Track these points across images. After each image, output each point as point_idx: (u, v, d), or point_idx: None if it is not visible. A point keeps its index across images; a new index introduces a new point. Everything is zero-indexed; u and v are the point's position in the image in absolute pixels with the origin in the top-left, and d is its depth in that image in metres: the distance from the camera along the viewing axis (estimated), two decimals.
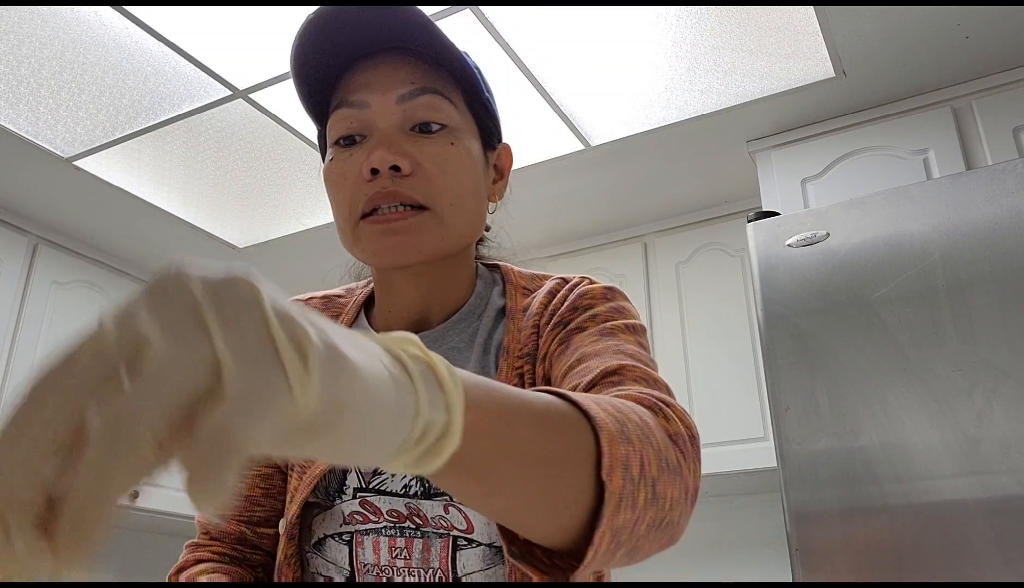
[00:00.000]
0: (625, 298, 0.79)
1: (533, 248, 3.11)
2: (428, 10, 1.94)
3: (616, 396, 0.60)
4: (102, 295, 3.10)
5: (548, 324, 0.75)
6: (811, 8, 1.95)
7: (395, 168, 0.72)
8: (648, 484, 0.49)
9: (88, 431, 0.27)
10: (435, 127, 0.74)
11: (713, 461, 2.52)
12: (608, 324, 0.73)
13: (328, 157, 0.76)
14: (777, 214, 2.04)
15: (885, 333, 1.76)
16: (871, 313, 1.79)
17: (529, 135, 2.44)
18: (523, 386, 0.74)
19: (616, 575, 2.78)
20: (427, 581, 0.70)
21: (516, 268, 0.86)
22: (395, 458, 0.35)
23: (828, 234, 1.91)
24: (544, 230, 3.00)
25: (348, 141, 0.75)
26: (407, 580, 0.71)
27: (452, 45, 0.75)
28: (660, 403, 0.58)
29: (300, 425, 0.29)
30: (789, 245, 1.94)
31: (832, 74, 2.19)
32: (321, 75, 0.76)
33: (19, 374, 2.76)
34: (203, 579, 0.79)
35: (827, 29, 2.03)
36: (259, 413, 0.27)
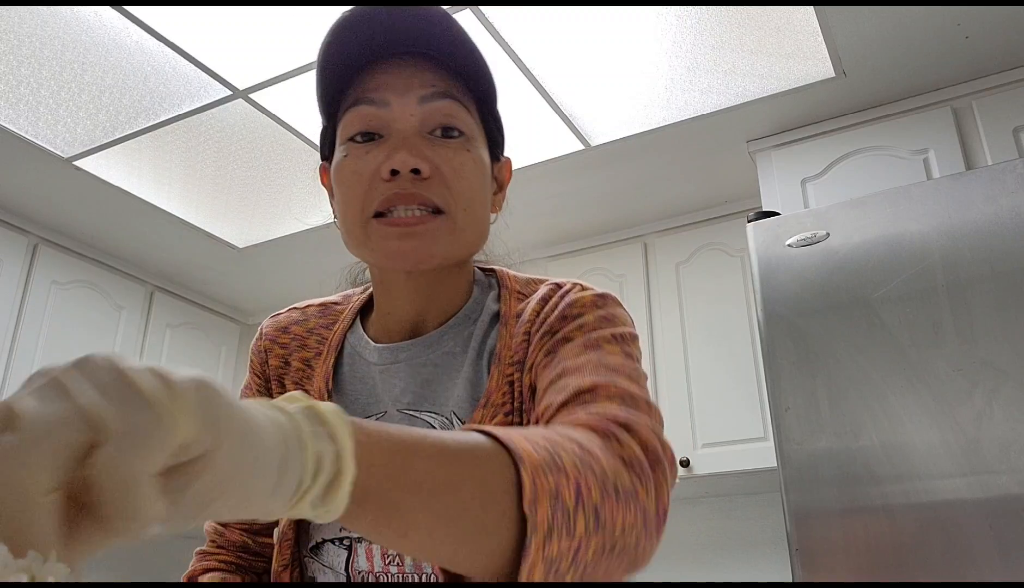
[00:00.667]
0: (617, 304, 0.78)
1: (533, 248, 3.12)
2: None
3: (580, 420, 0.59)
4: (102, 295, 3.10)
5: (538, 332, 0.75)
6: (811, 8, 1.95)
7: (415, 171, 0.72)
8: (590, 511, 0.49)
9: None
10: (455, 133, 0.74)
11: (713, 461, 2.52)
12: (594, 334, 0.72)
13: (341, 153, 0.76)
14: (777, 214, 2.04)
15: (885, 333, 1.76)
16: (871, 313, 1.79)
17: (529, 135, 2.44)
18: (512, 393, 0.73)
19: None
20: (422, 582, 0.70)
21: (512, 273, 0.85)
22: (298, 500, 0.37)
23: (828, 234, 1.91)
24: (544, 230, 3.00)
25: (364, 138, 0.74)
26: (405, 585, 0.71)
27: (477, 53, 0.75)
28: (616, 427, 0.58)
29: (187, 454, 0.32)
30: (789, 245, 1.94)
31: (832, 74, 2.19)
32: (343, 71, 0.76)
33: (19, 374, 2.76)
34: None
35: (827, 29, 2.03)
36: (141, 444, 0.31)
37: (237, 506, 0.35)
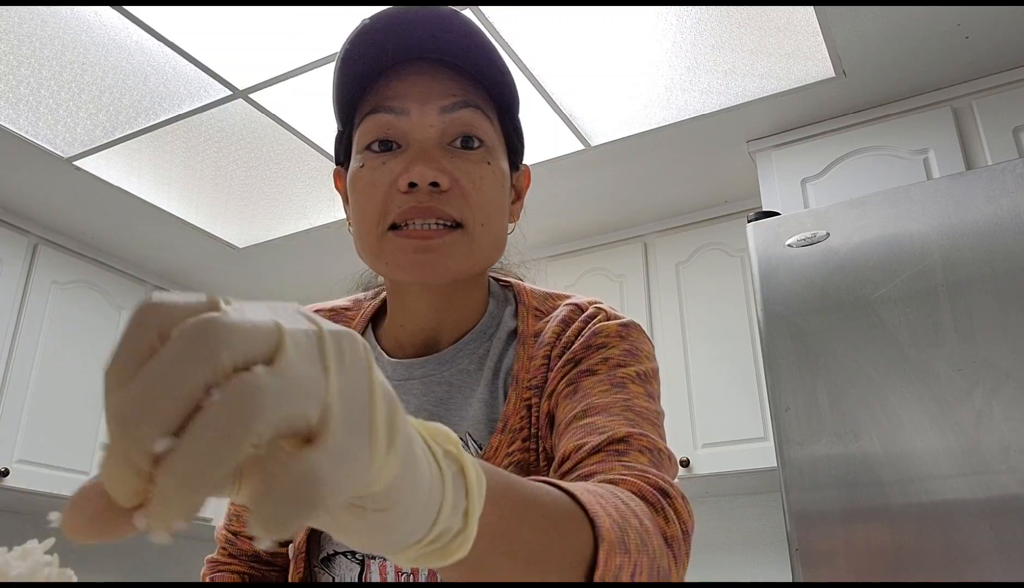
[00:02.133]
0: (641, 334, 0.77)
1: (533, 248, 3.11)
2: None
3: (623, 477, 0.60)
4: (102, 295, 3.10)
5: (560, 357, 0.73)
6: (811, 8, 1.95)
7: (434, 184, 0.70)
8: None
9: (205, 408, 0.26)
10: (475, 143, 0.72)
11: (713, 461, 2.52)
12: (619, 371, 0.71)
13: (357, 162, 0.74)
14: (777, 214, 2.04)
15: (885, 333, 1.76)
16: (871, 313, 1.79)
17: (529, 135, 2.43)
18: (530, 418, 0.72)
19: None
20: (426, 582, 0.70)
21: (529, 287, 0.83)
22: (404, 552, 0.35)
23: (828, 234, 1.91)
24: (544, 230, 3.00)
25: (381, 147, 0.72)
26: None
27: (499, 60, 0.74)
28: (663, 498, 0.59)
29: (356, 501, 0.31)
30: (789, 245, 1.94)
31: (832, 74, 2.19)
32: (362, 75, 0.74)
33: (19, 374, 2.76)
34: None
35: (827, 29, 2.03)
36: (347, 473, 0.28)
37: (341, 538, 0.34)
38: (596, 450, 0.63)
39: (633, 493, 0.58)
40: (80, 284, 3.04)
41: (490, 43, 0.72)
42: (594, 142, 2.49)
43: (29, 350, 2.81)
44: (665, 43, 2.07)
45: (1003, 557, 1.52)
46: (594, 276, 2.95)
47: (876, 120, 2.33)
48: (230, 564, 0.85)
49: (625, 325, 0.76)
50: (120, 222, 2.94)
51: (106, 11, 1.95)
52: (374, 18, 0.71)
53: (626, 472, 0.60)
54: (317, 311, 0.89)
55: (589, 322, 0.75)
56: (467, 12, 1.94)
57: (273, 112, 2.32)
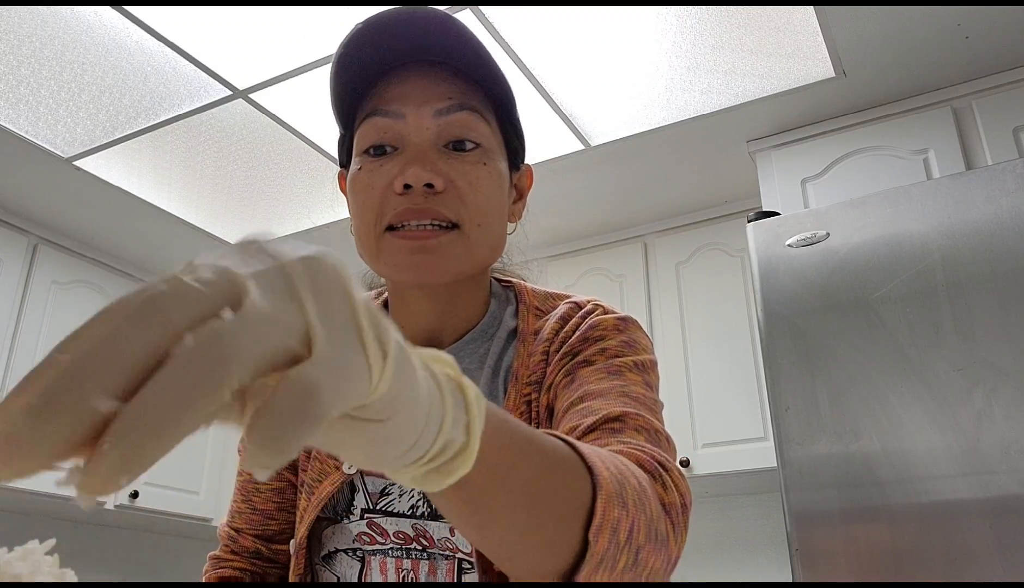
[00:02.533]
0: (638, 329, 0.77)
1: (533, 248, 3.10)
2: None
3: (619, 450, 0.60)
4: (102, 295, 3.10)
5: (558, 352, 0.74)
6: (811, 8, 1.95)
7: (428, 185, 0.71)
8: (632, 551, 0.50)
9: (174, 356, 0.25)
10: (469, 145, 0.73)
11: (713, 461, 2.52)
12: (616, 360, 0.72)
13: (355, 165, 0.75)
14: (777, 214, 2.04)
15: (885, 333, 1.76)
16: (871, 313, 1.79)
17: (529, 135, 2.43)
18: (530, 413, 0.73)
19: None
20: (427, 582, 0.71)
21: (531, 286, 0.84)
22: (407, 469, 0.35)
23: (828, 234, 1.91)
24: (544, 230, 3.00)
25: (379, 150, 0.73)
26: None
27: (492, 63, 0.74)
28: (660, 468, 0.59)
29: (355, 412, 0.30)
30: (789, 245, 1.94)
31: (832, 74, 2.19)
32: (359, 79, 0.74)
33: (19, 374, 2.76)
34: None
35: (827, 29, 2.03)
36: (345, 380, 0.28)
37: (346, 457, 0.33)
38: (592, 429, 0.64)
39: (629, 460, 0.58)
40: (80, 284, 3.04)
41: (483, 46, 0.73)
42: (594, 142, 2.49)
43: (29, 350, 2.81)
44: (665, 43, 2.07)
45: (1003, 557, 1.52)
46: (594, 276, 2.95)
47: (876, 120, 2.33)
48: (232, 561, 0.86)
49: (623, 319, 0.77)
50: (120, 222, 2.94)
51: (106, 11, 1.95)
52: (368, 22, 0.71)
53: (622, 447, 0.61)
54: None
55: (587, 317, 0.76)
56: (467, 12, 1.94)
57: (273, 112, 2.32)
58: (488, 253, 0.76)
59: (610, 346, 0.73)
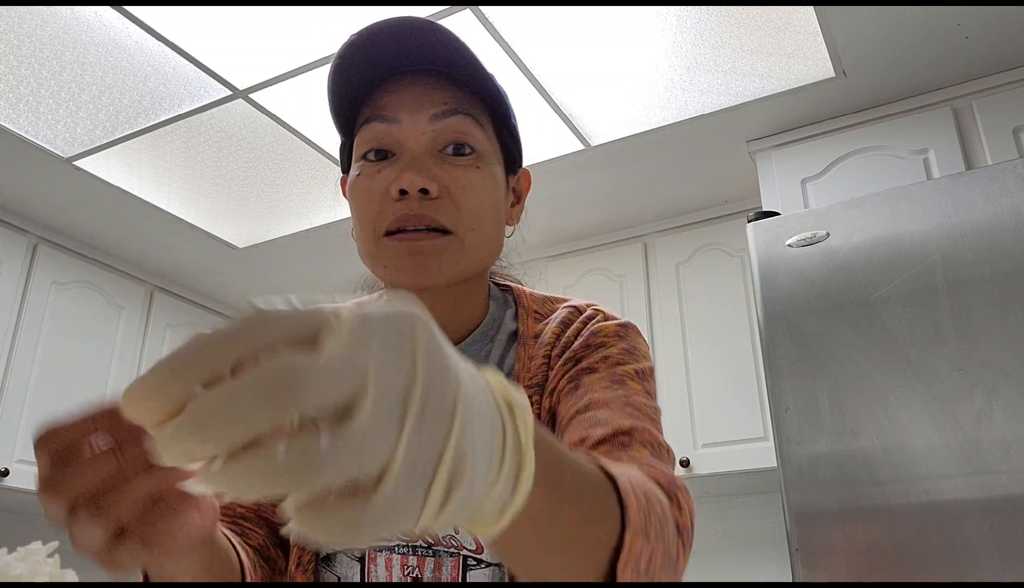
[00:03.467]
0: (638, 335, 0.79)
1: (533, 248, 3.11)
2: (428, 10, 1.94)
3: (636, 467, 0.62)
4: (102, 295, 3.10)
5: (560, 356, 0.76)
6: (811, 8, 1.95)
7: (423, 191, 0.72)
8: (649, 576, 0.52)
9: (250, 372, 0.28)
10: (465, 150, 0.74)
11: (713, 461, 2.52)
12: (619, 369, 0.73)
13: (355, 171, 0.76)
14: (777, 214, 2.04)
15: (885, 333, 1.76)
16: (871, 313, 1.79)
17: (529, 135, 2.44)
18: None
19: None
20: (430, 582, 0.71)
21: (529, 290, 0.86)
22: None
23: (828, 234, 1.91)
24: (544, 230, 3.00)
25: (377, 156, 0.74)
26: None
27: (484, 69, 0.75)
28: (675, 489, 0.61)
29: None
30: (789, 245, 1.94)
31: (832, 74, 2.19)
32: (355, 88, 0.76)
33: (19, 374, 2.77)
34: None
35: (827, 29, 2.03)
36: (392, 523, 0.30)
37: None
38: (601, 441, 0.66)
39: (651, 480, 0.60)
40: (80, 284, 3.04)
41: (476, 54, 0.74)
42: (594, 142, 2.49)
43: (29, 350, 2.81)
44: (665, 43, 2.07)
45: (1003, 557, 1.52)
46: (594, 276, 2.95)
47: (876, 120, 2.33)
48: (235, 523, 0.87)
49: (623, 325, 0.78)
50: (120, 222, 2.94)
51: (106, 11, 1.95)
52: (362, 33, 0.73)
53: (634, 464, 0.63)
54: None
55: (588, 323, 0.78)
56: (467, 12, 1.94)
57: (273, 112, 2.32)
58: (484, 256, 0.77)
59: (612, 353, 0.75)
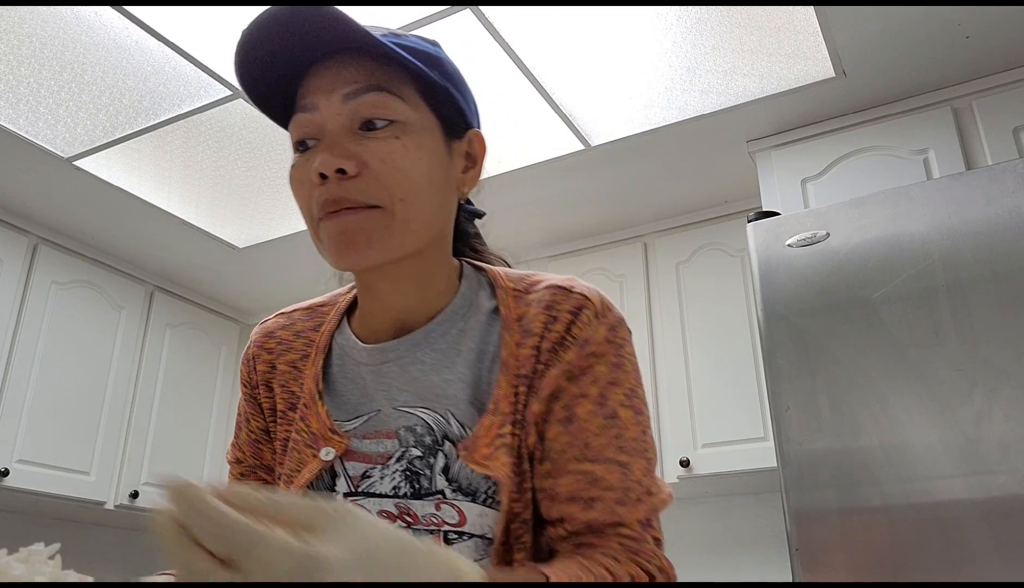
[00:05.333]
0: (627, 336, 0.78)
1: (533, 248, 3.12)
2: (428, 10, 1.94)
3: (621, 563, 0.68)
4: (102, 295, 3.10)
5: (549, 351, 0.75)
6: (811, 8, 1.95)
7: (341, 171, 0.71)
8: None
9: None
10: (380, 123, 0.73)
11: (713, 461, 2.52)
12: (610, 398, 0.74)
13: (292, 162, 0.77)
14: (777, 214, 2.04)
15: (885, 333, 1.76)
16: (871, 313, 1.79)
17: (529, 135, 2.44)
18: (516, 403, 0.74)
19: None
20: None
21: (502, 270, 0.84)
22: None
23: (828, 234, 1.91)
24: (544, 230, 3.00)
25: (303, 146, 0.75)
26: None
27: (404, 37, 0.74)
28: (657, 573, 0.68)
29: None
30: (789, 245, 1.94)
31: (832, 74, 2.19)
32: (276, 87, 0.76)
33: (19, 374, 2.77)
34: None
35: (827, 29, 2.03)
36: None
37: None
38: (596, 530, 0.71)
39: (632, 573, 0.67)
40: (80, 284, 3.04)
41: (388, 26, 0.74)
42: (594, 142, 2.49)
43: (29, 350, 2.81)
44: (665, 43, 2.07)
45: (1003, 557, 1.52)
46: (594, 276, 2.95)
47: (876, 120, 2.33)
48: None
49: (612, 329, 0.76)
50: (120, 222, 2.94)
51: (106, 11, 1.95)
52: (250, 33, 0.72)
53: (623, 554, 0.69)
54: (294, 312, 0.91)
55: (577, 315, 0.75)
56: (467, 12, 1.94)
57: None
58: (423, 226, 0.75)
59: (602, 373, 0.75)
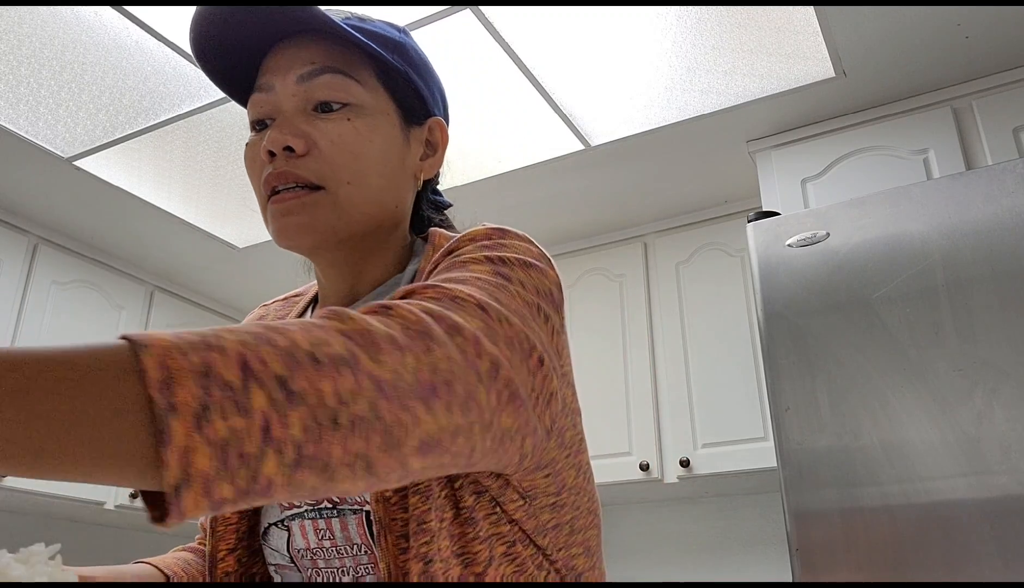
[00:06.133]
0: (519, 238, 0.69)
1: None
2: (428, 10, 1.94)
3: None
4: (102, 295, 3.10)
5: (428, 274, 0.71)
6: (811, 8, 1.95)
7: (289, 149, 0.71)
8: (270, 383, 0.42)
9: None
10: (335, 106, 0.73)
11: (713, 461, 2.52)
12: (464, 256, 0.65)
13: (247, 142, 0.77)
14: (777, 214, 2.04)
15: (885, 333, 1.76)
16: (871, 313, 1.79)
17: (529, 135, 2.44)
18: None
19: (614, 575, 2.77)
20: (356, 555, 0.71)
21: (446, 232, 0.80)
22: None
23: (828, 234, 1.91)
24: (544, 230, 3.00)
25: (260, 126, 0.75)
26: (339, 559, 0.71)
27: (365, 21, 0.75)
28: (349, 313, 0.49)
29: None
30: (789, 245, 1.94)
31: (832, 74, 2.19)
32: (237, 67, 0.77)
33: None
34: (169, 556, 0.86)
35: (827, 29, 2.03)
36: None
37: None
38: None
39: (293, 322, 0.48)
40: (80, 284, 3.04)
41: (348, 10, 0.74)
42: (594, 142, 2.49)
43: None
44: (665, 43, 2.07)
45: (1003, 557, 1.52)
46: (594, 276, 2.95)
47: (876, 120, 2.33)
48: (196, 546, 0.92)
49: (498, 229, 0.69)
50: (120, 222, 2.94)
51: (106, 11, 1.95)
52: (209, 12, 0.72)
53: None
54: (274, 302, 0.93)
55: (459, 241, 0.70)
56: (467, 12, 1.94)
57: None
58: (368, 209, 0.74)
59: (467, 251, 0.66)
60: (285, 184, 0.71)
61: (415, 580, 0.61)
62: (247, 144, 0.76)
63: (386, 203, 0.76)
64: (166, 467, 0.37)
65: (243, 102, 0.79)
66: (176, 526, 0.39)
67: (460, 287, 0.57)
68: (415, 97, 0.79)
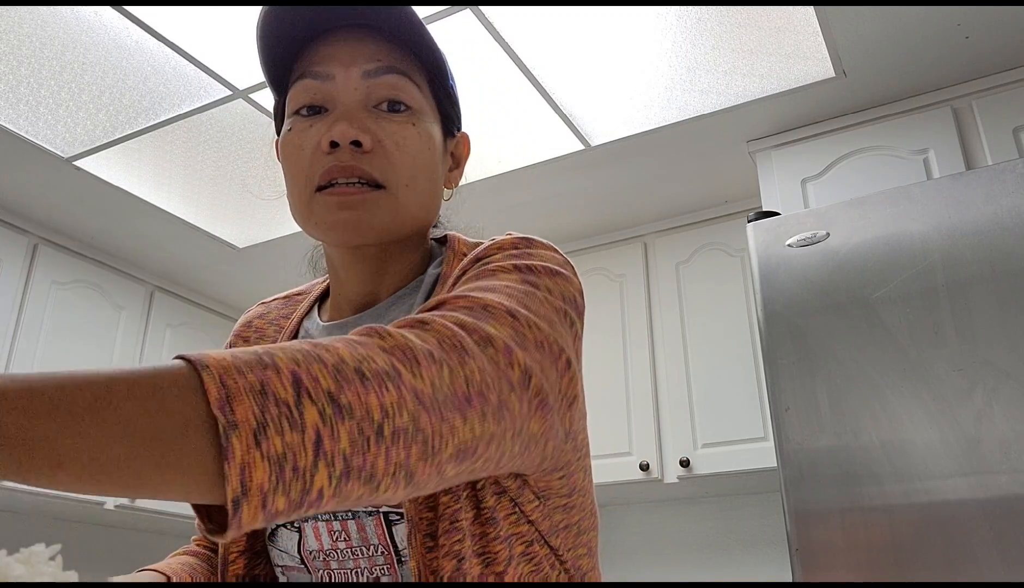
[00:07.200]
0: (544, 247, 0.71)
1: None
2: (428, 10, 1.94)
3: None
4: (102, 295, 3.10)
5: (454, 281, 0.72)
6: (811, 8, 1.95)
7: (356, 143, 0.71)
8: (321, 399, 0.44)
9: None
10: (400, 107, 0.73)
11: (713, 461, 2.52)
12: (492, 265, 0.67)
13: (287, 127, 0.75)
14: (777, 214, 2.04)
15: (885, 333, 1.76)
16: (871, 313, 1.79)
17: (529, 135, 2.43)
18: None
19: (614, 575, 2.78)
20: (373, 556, 0.70)
21: (464, 237, 0.83)
22: None
23: (828, 234, 1.91)
24: (544, 230, 3.00)
25: (310, 111, 0.73)
26: (354, 560, 0.71)
27: (421, 26, 0.74)
28: (388, 329, 0.52)
29: None
30: (789, 245, 1.94)
31: (832, 74, 2.19)
32: (286, 45, 0.75)
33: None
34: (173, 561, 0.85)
35: (827, 29, 2.03)
36: None
37: None
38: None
39: (338, 339, 0.51)
40: (80, 284, 3.04)
41: (413, 11, 0.73)
42: (594, 142, 2.49)
43: (29, 350, 2.81)
44: (665, 43, 2.07)
45: (1003, 557, 1.52)
46: (594, 276, 2.95)
47: (876, 120, 2.33)
48: (199, 542, 0.90)
49: (525, 239, 0.71)
50: (120, 222, 2.94)
51: (106, 11, 1.95)
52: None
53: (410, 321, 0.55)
54: (274, 299, 0.92)
55: (486, 248, 0.71)
56: (467, 12, 1.94)
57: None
58: (417, 214, 0.75)
59: (495, 259, 0.68)
60: (348, 178, 0.70)
61: (446, 579, 0.62)
62: (292, 130, 0.73)
63: (431, 209, 0.77)
64: (227, 482, 0.40)
65: (276, 85, 0.77)
66: (234, 537, 0.42)
67: (490, 296, 0.60)
68: (454, 109, 0.80)
